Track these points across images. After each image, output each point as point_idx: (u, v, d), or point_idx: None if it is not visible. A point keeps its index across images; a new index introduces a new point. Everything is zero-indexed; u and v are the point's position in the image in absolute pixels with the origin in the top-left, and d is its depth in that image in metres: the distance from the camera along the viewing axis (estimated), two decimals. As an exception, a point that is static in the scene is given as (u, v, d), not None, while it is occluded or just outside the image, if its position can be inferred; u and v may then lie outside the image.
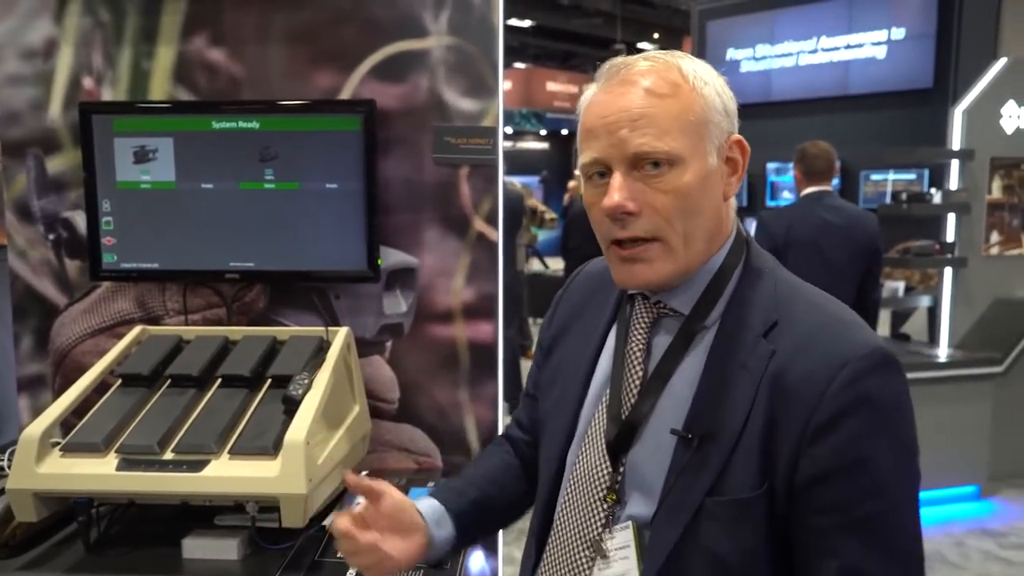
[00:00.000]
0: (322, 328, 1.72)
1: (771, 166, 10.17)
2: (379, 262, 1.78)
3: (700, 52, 10.72)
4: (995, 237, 4.48)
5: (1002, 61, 4.53)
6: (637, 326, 1.04)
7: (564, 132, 18.94)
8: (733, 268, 1.00)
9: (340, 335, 1.68)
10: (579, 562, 1.02)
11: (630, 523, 0.98)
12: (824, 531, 0.88)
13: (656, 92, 0.93)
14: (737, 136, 0.98)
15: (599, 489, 1.01)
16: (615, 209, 0.94)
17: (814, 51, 9.71)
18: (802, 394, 0.88)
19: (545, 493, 1.13)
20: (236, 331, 1.73)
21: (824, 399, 0.87)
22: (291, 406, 1.49)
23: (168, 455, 1.44)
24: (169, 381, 1.60)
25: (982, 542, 3.97)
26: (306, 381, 1.53)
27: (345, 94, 1.80)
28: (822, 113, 9.40)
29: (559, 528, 1.07)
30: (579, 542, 1.03)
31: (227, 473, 1.40)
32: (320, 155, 1.76)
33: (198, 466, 1.41)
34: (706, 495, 0.91)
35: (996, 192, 4.45)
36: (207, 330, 1.74)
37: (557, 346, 1.21)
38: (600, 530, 1.01)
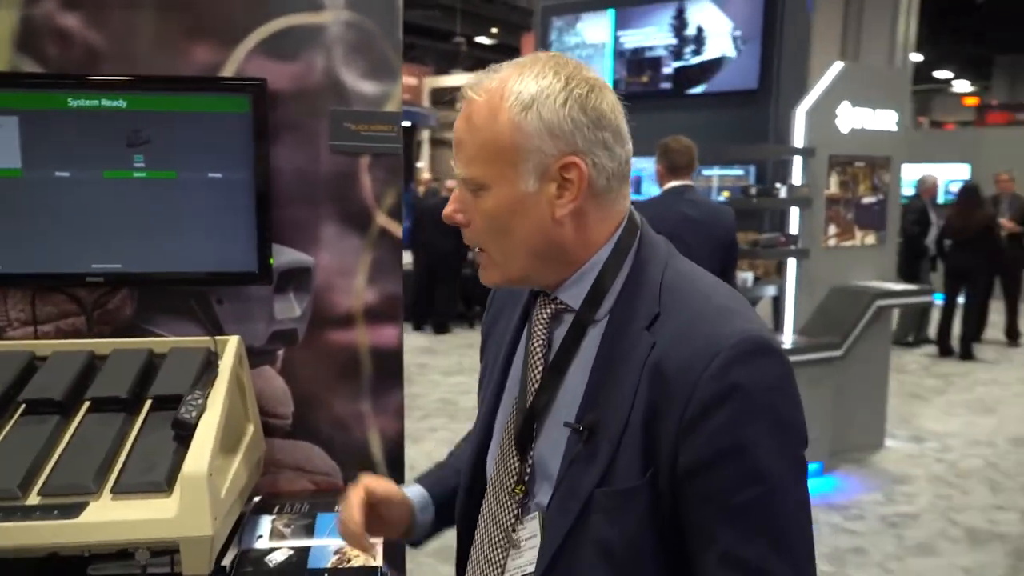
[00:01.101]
0: (207, 338, 1.50)
1: (610, 160, 10.44)
2: (271, 262, 1.59)
3: (544, 47, 10.83)
4: (832, 229, 4.76)
5: (838, 65, 4.81)
6: (539, 321, 1.06)
7: (407, 124, 18.64)
8: (619, 262, 1.01)
9: (231, 345, 1.48)
10: (495, 553, 1.05)
11: (537, 514, 1.01)
12: (704, 520, 0.90)
13: (471, 120, 0.97)
14: (572, 159, 0.95)
15: (510, 481, 1.04)
16: (446, 218, 1.02)
17: (651, 47, 10.04)
18: (678, 384, 0.90)
19: (467, 481, 1.16)
20: (103, 344, 1.48)
21: (696, 389, 0.88)
22: (183, 431, 1.29)
23: (34, 499, 1.20)
24: (23, 407, 1.34)
25: (830, 516, 4.20)
26: (200, 401, 1.32)
27: (227, 72, 1.59)
28: (661, 111, 9.75)
29: (481, 522, 1.10)
30: (495, 533, 1.06)
31: (111, 517, 1.18)
32: (201, 140, 1.54)
33: (74, 511, 1.18)
34: (595, 486, 0.93)
35: (833, 187, 4.72)
36: (66, 344, 1.48)
37: (488, 342, 1.23)
38: (513, 521, 1.03)
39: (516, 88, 0.95)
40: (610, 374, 0.96)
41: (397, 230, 1.67)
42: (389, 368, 1.70)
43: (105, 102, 1.51)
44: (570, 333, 1.01)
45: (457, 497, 1.18)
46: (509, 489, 1.04)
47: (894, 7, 11.19)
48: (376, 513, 1.16)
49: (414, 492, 1.24)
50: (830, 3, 11.03)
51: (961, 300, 7.74)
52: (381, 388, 1.70)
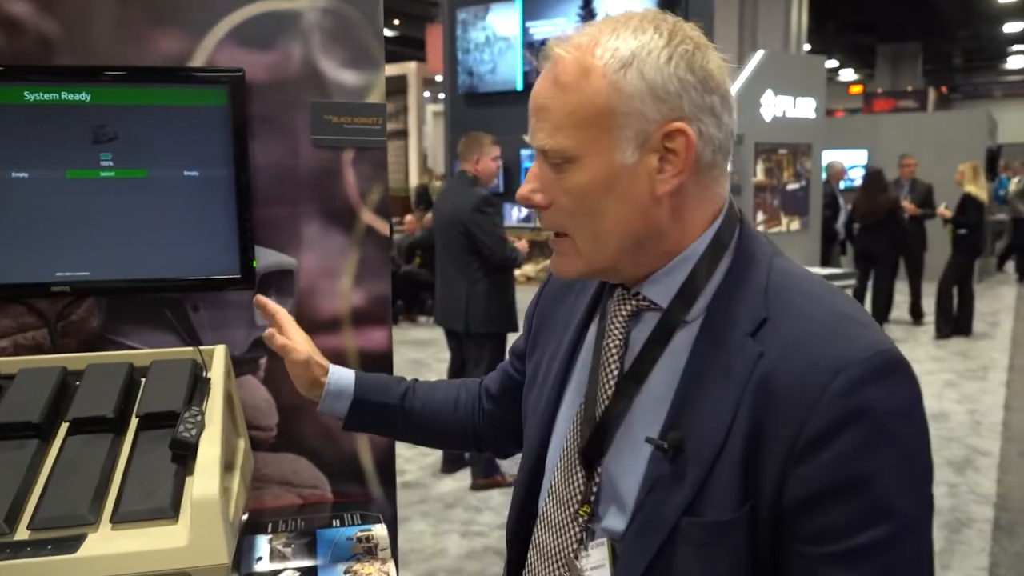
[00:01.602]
0: (191, 348, 1.40)
1: (525, 152, 10.48)
2: (254, 264, 1.49)
3: (451, 39, 10.77)
4: (760, 216, 4.88)
5: (760, 53, 4.92)
6: (616, 319, 0.94)
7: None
8: (717, 256, 0.89)
9: (218, 355, 1.38)
10: None
11: (605, 540, 0.90)
12: (812, 564, 0.78)
13: (559, 81, 0.85)
14: (679, 125, 0.83)
15: (573, 500, 0.93)
16: (521, 200, 0.90)
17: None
18: (791, 403, 0.78)
19: (520, 498, 1.05)
20: (76, 359, 1.36)
21: (815, 409, 0.76)
22: (183, 451, 1.19)
23: (23, 534, 1.08)
24: (-5, 433, 1.21)
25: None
26: (198, 418, 1.22)
27: (197, 62, 1.48)
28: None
29: (537, 542, 0.99)
30: (554, 558, 0.95)
31: (115, 549, 1.07)
32: (174, 136, 1.43)
33: (71, 545, 1.07)
34: (682, 514, 0.82)
35: (760, 175, 4.84)
36: (35, 360, 1.35)
37: (539, 337, 1.13)
38: (575, 546, 0.92)
39: (612, 44, 0.83)
40: (705, 385, 0.84)
41: (384, 228, 1.59)
42: (379, 371, 1.62)
43: (66, 95, 1.38)
44: (655, 335, 0.89)
45: (508, 515, 1.08)
46: (572, 510, 0.92)
47: (786, -1, 11.59)
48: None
49: (337, 377, 1.25)
50: (729, -4, 11.35)
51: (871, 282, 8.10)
52: (370, 393, 1.62)
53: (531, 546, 1.00)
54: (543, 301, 1.14)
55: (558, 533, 0.94)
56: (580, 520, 0.92)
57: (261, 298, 1.32)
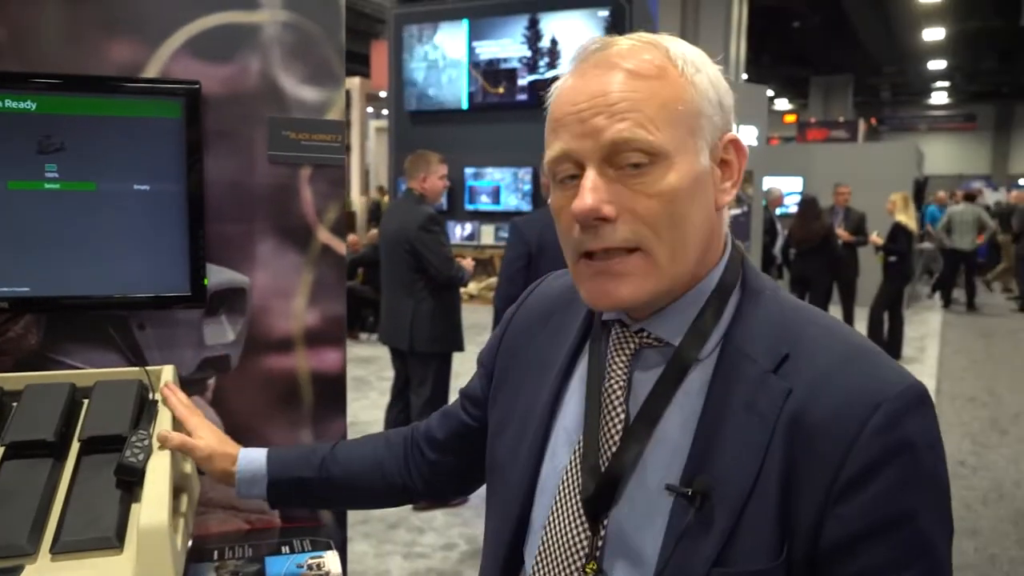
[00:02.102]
0: (136, 368, 1.34)
1: (469, 171, 10.49)
2: (204, 282, 1.44)
3: (396, 57, 10.74)
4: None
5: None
6: (616, 359, 0.88)
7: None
8: (730, 291, 0.86)
9: (166, 376, 1.33)
10: None
11: None
12: None
13: (640, 74, 0.80)
14: (733, 135, 0.85)
15: (576, 558, 0.85)
16: (588, 214, 0.78)
17: (505, 59, 10.13)
18: (829, 440, 0.75)
19: (503, 557, 0.95)
20: (11, 379, 1.29)
21: (857, 446, 0.74)
22: (129, 477, 1.13)
23: (-45, 566, 1.02)
24: (-76, 457, 1.15)
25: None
26: (145, 442, 1.17)
27: (150, 72, 1.43)
28: (519, 122, 9.84)
29: None
30: None
31: (55, 581, 1.02)
32: (125, 148, 1.38)
33: (8, 576, 1.01)
34: (712, 566, 0.76)
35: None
36: (-33, 380, 1.28)
37: (507, 378, 1.03)
38: None
39: (679, 48, 0.82)
40: (727, 426, 0.79)
41: (340, 247, 1.56)
42: (331, 394, 1.58)
43: (10, 103, 1.32)
44: (667, 373, 0.83)
45: (485, 559, 0.99)
46: (575, 567, 0.85)
47: (726, 28, 11.90)
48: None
49: (247, 462, 1.19)
50: (669, 24, 11.59)
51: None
52: (323, 416, 1.58)
53: None
54: (507, 342, 1.06)
55: None
56: None
57: (167, 393, 1.28)
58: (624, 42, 0.83)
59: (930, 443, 0.77)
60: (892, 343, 8.22)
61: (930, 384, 7.38)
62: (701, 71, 0.82)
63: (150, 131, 1.38)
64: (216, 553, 1.43)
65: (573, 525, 0.86)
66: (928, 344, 9.35)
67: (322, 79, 1.52)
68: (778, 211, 9.22)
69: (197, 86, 1.40)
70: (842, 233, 8.12)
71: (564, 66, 0.89)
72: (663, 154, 0.78)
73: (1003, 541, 4.12)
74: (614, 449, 0.85)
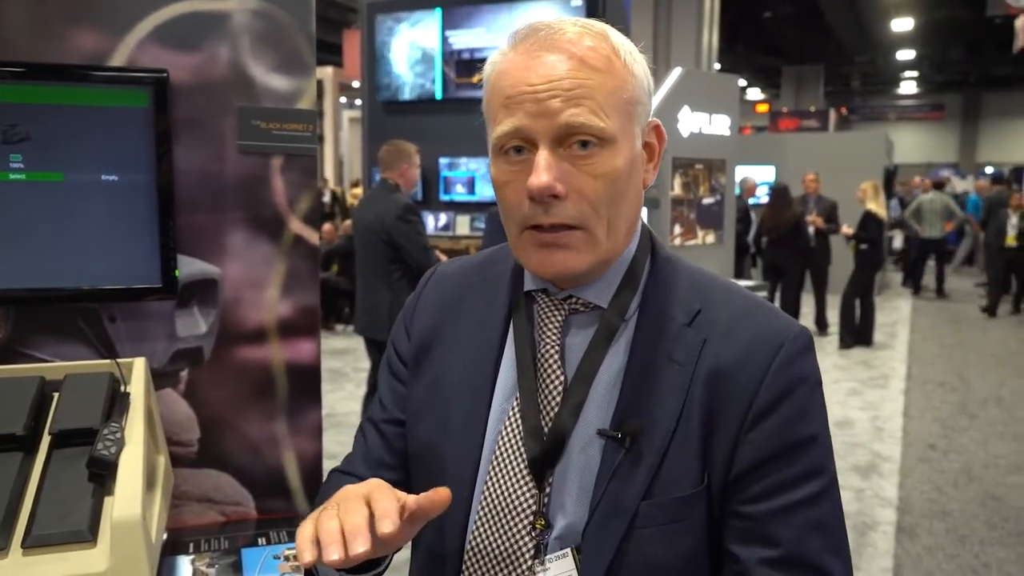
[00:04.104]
0: (107, 361, 1.33)
1: (443, 161, 10.44)
2: (176, 273, 1.43)
3: (369, 46, 10.63)
4: (677, 229, 4.99)
5: (677, 71, 5.04)
6: (547, 326, 0.94)
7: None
8: (644, 260, 0.96)
9: (137, 369, 1.32)
10: None
11: (569, 551, 0.88)
12: (762, 518, 0.85)
13: (590, 64, 0.85)
14: (655, 120, 0.93)
15: (524, 515, 0.91)
16: (543, 191, 0.84)
17: (479, 49, 10.08)
18: (741, 379, 0.86)
19: (457, 524, 0.96)
20: (-20, 373, 1.27)
21: (765, 381, 0.86)
22: (101, 470, 1.12)
23: (-76, 563, 1.00)
24: None
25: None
26: (117, 435, 1.16)
27: (116, 61, 1.41)
28: (489, 111, 9.76)
29: (474, 567, 0.94)
30: None
31: (27, 575, 1.01)
32: (92, 138, 1.36)
33: (-22, 572, 1.00)
34: (641, 499, 0.85)
35: (677, 189, 4.95)
36: (-66, 375, 1.26)
37: (427, 362, 1.05)
38: (529, 562, 0.90)
39: (619, 38, 0.88)
40: (652, 375, 0.88)
41: (313, 237, 1.55)
42: (306, 385, 1.57)
43: (-28, 92, 1.29)
44: (599, 334, 0.92)
45: (418, 546, 1.01)
46: (523, 525, 0.90)
47: (698, 19, 11.93)
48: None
49: None
50: (643, 14, 11.61)
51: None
52: (297, 407, 1.57)
53: (471, 564, 0.96)
54: (416, 336, 1.07)
55: (505, 552, 0.91)
56: (534, 533, 0.90)
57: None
58: (571, 28, 0.87)
59: (818, 379, 0.90)
60: (863, 329, 8.34)
61: (900, 369, 7.49)
62: (638, 61, 0.90)
63: (118, 120, 1.36)
64: (192, 545, 1.42)
65: (518, 486, 0.91)
66: (899, 330, 9.49)
67: (292, 68, 1.51)
68: (751, 200, 9.30)
69: (165, 75, 1.38)
70: (814, 219, 8.20)
71: (503, 43, 0.92)
72: (611, 139, 0.85)
73: (972, 523, 4.20)
74: (556, 409, 0.91)
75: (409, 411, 1.07)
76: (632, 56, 0.89)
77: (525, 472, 0.91)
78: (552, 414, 0.91)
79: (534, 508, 0.90)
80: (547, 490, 0.90)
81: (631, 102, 0.87)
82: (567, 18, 0.90)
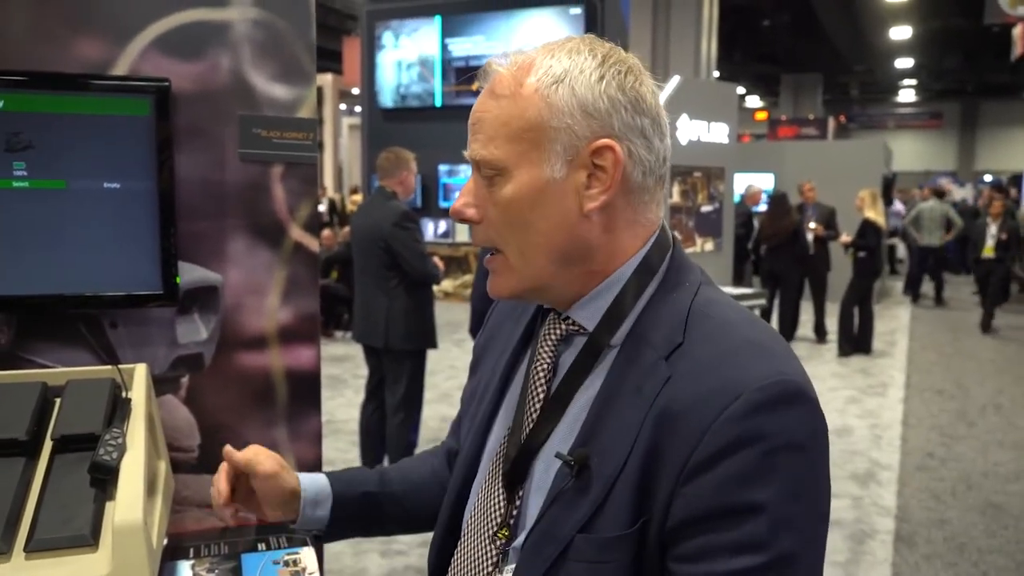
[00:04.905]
0: (109, 367, 1.34)
1: (443, 168, 10.48)
2: (177, 280, 1.44)
3: (369, 54, 10.70)
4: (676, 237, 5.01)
5: (676, 79, 5.06)
6: (545, 343, 0.95)
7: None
8: (643, 282, 0.90)
9: (139, 375, 1.33)
10: None
11: (515, 565, 0.89)
12: None
13: (495, 94, 0.88)
14: (606, 141, 0.84)
15: (492, 524, 0.93)
16: (453, 214, 0.92)
17: (478, 56, 10.13)
18: (688, 425, 0.78)
19: (445, 520, 1.05)
20: (-17, 378, 1.28)
21: (708, 432, 0.76)
22: (103, 475, 1.13)
23: (-73, 567, 1.01)
24: None
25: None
26: (119, 440, 1.17)
27: (119, 70, 1.43)
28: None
29: (457, 564, 0.98)
30: None
31: (29, 580, 1.02)
32: (95, 146, 1.37)
33: (-20, 576, 1.01)
34: (578, 531, 0.82)
35: (676, 197, 4.97)
36: (-63, 381, 1.27)
37: (480, 362, 1.12)
38: (490, 569, 0.92)
39: (547, 63, 0.86)
40: (615, 405, 0.84)
41: (313, 244, 1.56)
42: (306, 392, 1.59)
43: (-23, 101, 1.31)
44: (580, 358, 0.90)
45: (432, 540, 1.07)
46: (491, 532, 0.92)
47: (697, 26, 11.97)
48: (250, 486, 1.13)
49: (310, 482, 1.12)
50: (641, 22, 11.66)
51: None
52: (297, 413, 1.58)
53: (451, 568, 1.00)
54: (485, 333, 1.14)
55: (476, 556, 0.95)
56: (498, 543, 0.92)
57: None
58: (501, 62, 0.89)
59: (792, 443, 0.76)
60: (862, 337, 8.34)
61: (899, 378, 7.50)
62: (563, 83, 0.84)
63: (120, 129, 1.38)
64: (192, 551, 1.43)
65: (495, 495, 0.94)
66: (898, 338, 9.49)
67: (293, 77, 1.52)
68: (754, 208, 9.33)
69: (167, 84, 1.40)
70: (815, 228, 8.22)
71: None
72: (502, 168, 0.86)
73: (971, 531, 4.20)
74: (532, 426, 0.92)
75: (464, 404, 1.15)
76: (554, 79, 0.85)
77: (501, 484, 0.94)
78: (529, 429, 0.92)
79: (501, 518, 0.92)
80: (517, 503, 0.92)
81: (534, 128, 0.84)
82: (524, 49, 0.91)
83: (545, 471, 0.89)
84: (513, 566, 0.89)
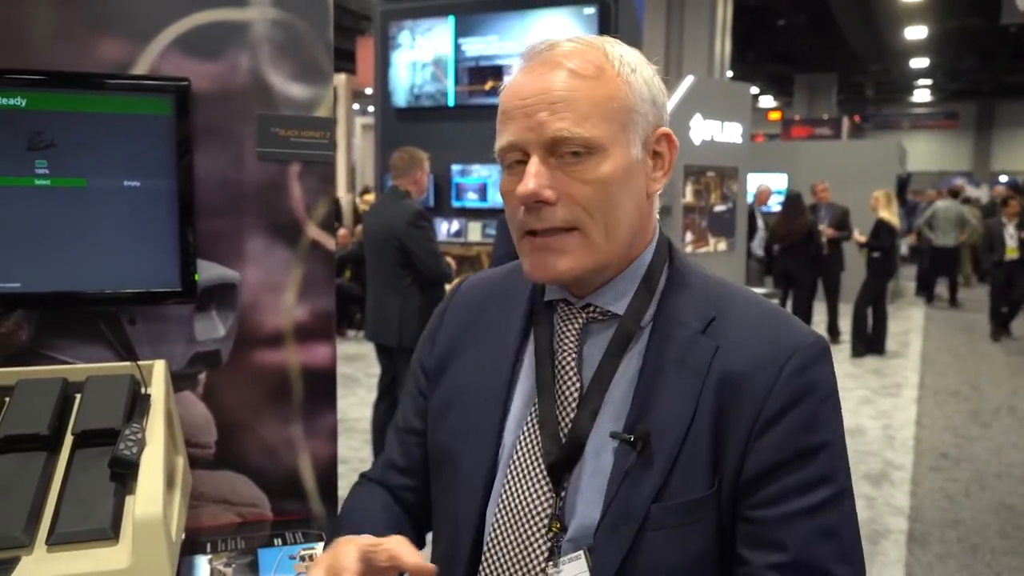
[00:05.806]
0: (128, 363, 1.35)
1: (455, 168, 10.48)
2: (195, 277, 1.45)
3: (382, 54, 10.70)
4: (689, 236, 4.99)
5: (690, 79, 5.05)
6: (565, 334, 0.97)
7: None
8: (661, 267, 0.98)
9: (158, 371, 1.34)
10: None
11: (581, 553, 0.90)
12: (771, 523, 0.86)
13: (579, 74, 0.89)
14: (665, 129, 0.94)
15: (540, 518, 0.93)
16: (530, 197, 0.89)
17: (491, 57, 10.12)
18: (751, 385, 0.87)
19: (472, 525, 0.99)
20: (4, 374, 1.30)
21: (775, 388, 0.87)
22: (123, 470, 1.15)
23: (-49, 559, 1.03)
24: (-81, 451, 1.16)
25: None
26: (139, 435, 1.18)
27: (139, 69, 1.44)
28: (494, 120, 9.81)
29: (490, 567, 0.96)
30: None
31: (50, 572, 1.03)
32: (115, 145, 1.38)
33: (3, 569, 1.03)
34: (652, 502, 0.87)
35: (689, 196, 4.96)
36: (-40, 376, 1.29)
37: (447, 369, 1.08)
38: (543, 564, 0.92)
39: (617, 50, 0.91)
40: (663, 381, 0.90)
41: (329, 242, 1.57)
42: (321, 389, 1.60)
43: (0, 99, 1.33)
44: (615, 342, 0.94)
45: (440, 542, 1.04)
46: (539, 528, 0.92)
47: (711, 27, 11.94)
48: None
49: None
50: (655, 23, 11.63)
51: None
52: (313, 410, 1.60)
53: (484, 568, 0.98)
54: (442, 338, 1.11)
55: (521, 553, 0.93)
56: (549, 535, 0.92)
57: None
58: (567, 44, 0.91)
59: (831, 390, 0.90)
60: (876, 338, 8.30)
61: (913, 378, 7.46)
62: (636, 71, 0.92)
63: (140, 128, 1.39)
64: (209, 545, 1.45)
65: (535, 490, 0.93)
66: (912, 339, 9.45)
67: (310, 76, 1.53)
68: (763, 208, 9.29)
69: (186, 83, 1.41)
70: (826, 230, 8.19)
71: (515, 63, 0.96)
72: (598, 147, 0.88)
73: (984, 531, 4.18)
74: (573, 415, 0.93)
75: (430, 416, 1.10)
76: (630, 66, 0.91)
77: (542, 476, 0.93)
78: (569, 420, 0.94)
79: (550, 511, 0.92)
80: (563, 494, 0.92)
81: (624, 110, 0.90)
82: (573, 36, 0.94)
83: (596, 456, 0.91)
84: (575, 556, 0.90)
